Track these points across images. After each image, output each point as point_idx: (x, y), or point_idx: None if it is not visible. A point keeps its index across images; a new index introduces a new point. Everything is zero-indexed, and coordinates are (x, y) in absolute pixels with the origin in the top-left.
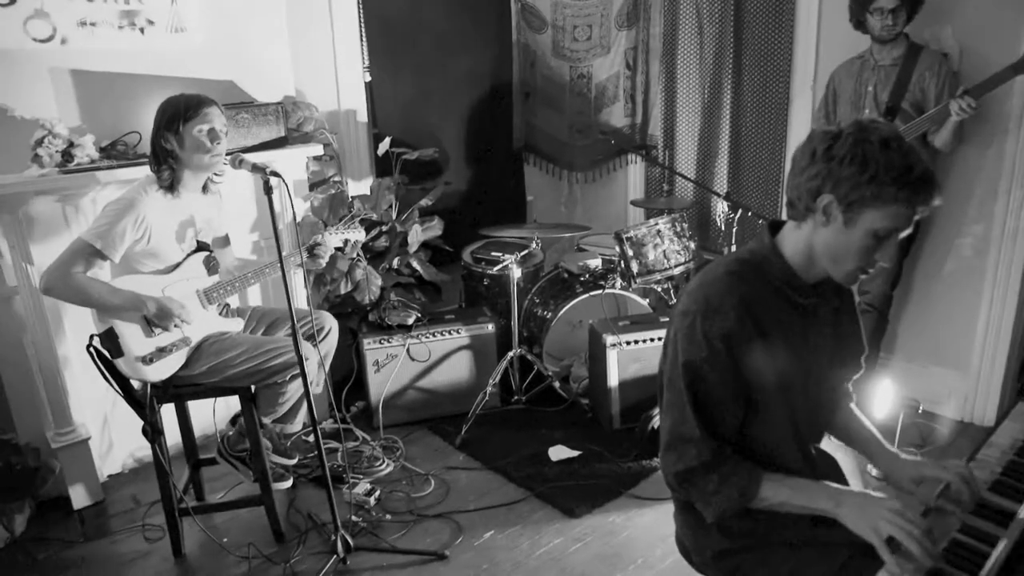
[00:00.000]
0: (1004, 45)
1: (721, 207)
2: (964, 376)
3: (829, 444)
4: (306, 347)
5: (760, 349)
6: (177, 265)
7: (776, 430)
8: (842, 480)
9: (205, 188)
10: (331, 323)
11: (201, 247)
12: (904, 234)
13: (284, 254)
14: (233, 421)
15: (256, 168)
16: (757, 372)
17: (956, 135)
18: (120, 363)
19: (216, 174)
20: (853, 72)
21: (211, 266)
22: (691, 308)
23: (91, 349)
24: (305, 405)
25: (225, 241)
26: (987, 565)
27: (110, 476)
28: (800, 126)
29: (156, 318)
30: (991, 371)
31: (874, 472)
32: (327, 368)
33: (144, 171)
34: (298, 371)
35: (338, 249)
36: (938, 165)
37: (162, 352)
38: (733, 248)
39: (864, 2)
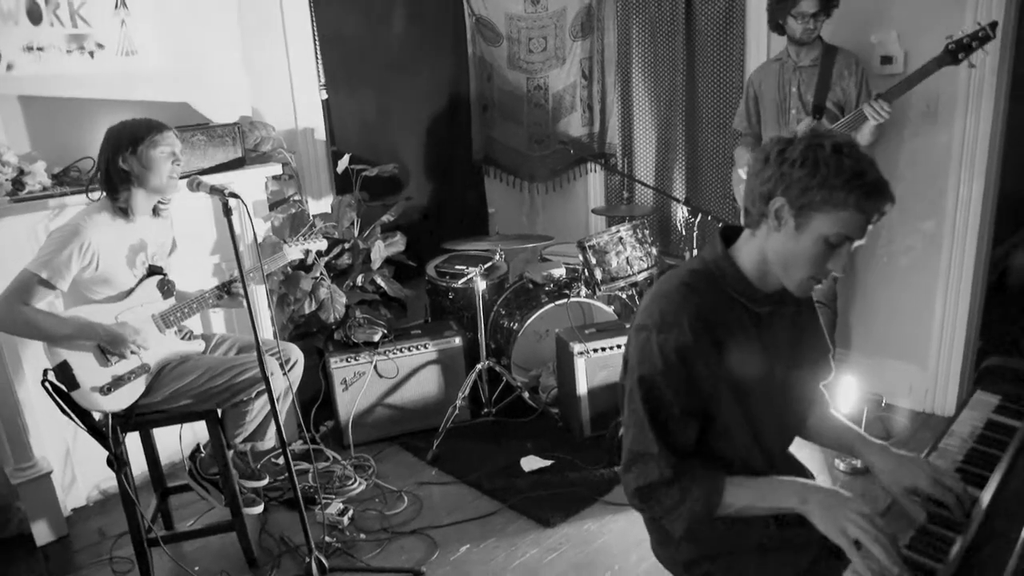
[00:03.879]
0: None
1: (681, 212)
2: (923, 369)
3: (793, 444)
4: (271, 362)
5: (716, 361)
6: (130, 291)
7: (736, 441)
8: None
9: (155, 211)
10: (297, 355)
11: (154, 271)
12: (857, 244)
13: (246, 268)
14: (192, 456)
15: (214, 190)
16: (713, 384)
17: (874, 135)
18: (76, 396)
19: (167, 198)
20: (773, 73)
21: (165, 289)
22: (646, 323)
23: (46, 384)
24: (273, 422)
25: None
26: (951, 552)
27: (74, 510)
28: None
29: (110, 345)
30: (949, 363)
31: (841, 467)
32: (292, 399)
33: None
34: (263, 387)
35: (300, 263)
36: (886, 160)
37: (120, 381)
38: (695, 252)
39: (786, 6)
